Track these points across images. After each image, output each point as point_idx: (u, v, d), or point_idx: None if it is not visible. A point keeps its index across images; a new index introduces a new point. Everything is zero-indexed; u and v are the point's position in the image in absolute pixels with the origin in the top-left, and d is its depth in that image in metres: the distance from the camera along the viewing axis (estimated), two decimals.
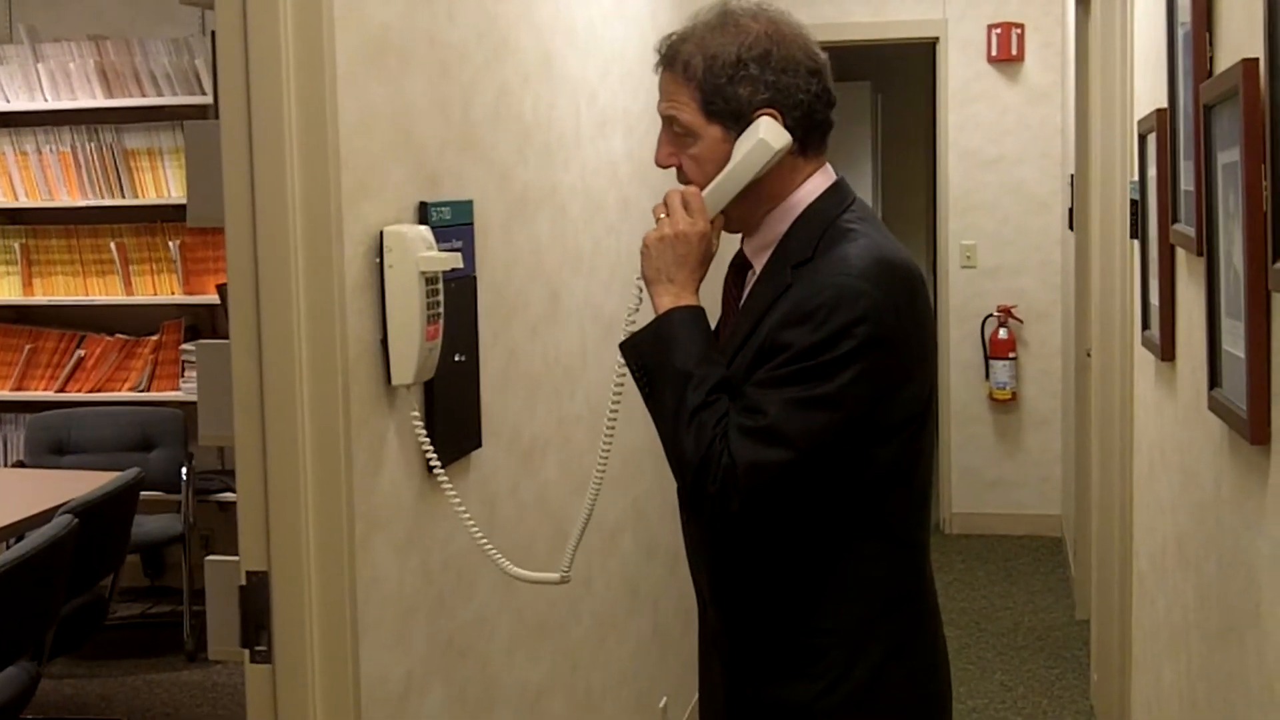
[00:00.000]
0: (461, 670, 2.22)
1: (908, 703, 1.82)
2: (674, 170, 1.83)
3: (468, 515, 2.03)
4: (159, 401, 5.48)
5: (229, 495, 5.09)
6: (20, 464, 5.36)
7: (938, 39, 6.67)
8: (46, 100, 5.48)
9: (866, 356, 1.66)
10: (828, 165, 1.83)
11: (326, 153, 1.74)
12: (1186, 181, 2.43)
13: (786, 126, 1.75)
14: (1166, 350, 2.75)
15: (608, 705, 3.13)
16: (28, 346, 5.65)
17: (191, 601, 5.02)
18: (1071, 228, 5.48)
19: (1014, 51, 6.56)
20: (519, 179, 2.49)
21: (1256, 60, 1.76)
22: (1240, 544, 2.02)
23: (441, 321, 1.97)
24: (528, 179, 2.55)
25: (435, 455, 1.97)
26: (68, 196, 5.54)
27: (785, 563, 1.78)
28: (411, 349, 1.91)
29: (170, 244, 5.51)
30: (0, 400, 5.64)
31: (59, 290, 5.63)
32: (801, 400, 1.65)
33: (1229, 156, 1.93)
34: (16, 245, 5.62)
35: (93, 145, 5.51)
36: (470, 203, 2.21)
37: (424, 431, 1.97)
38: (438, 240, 1.99)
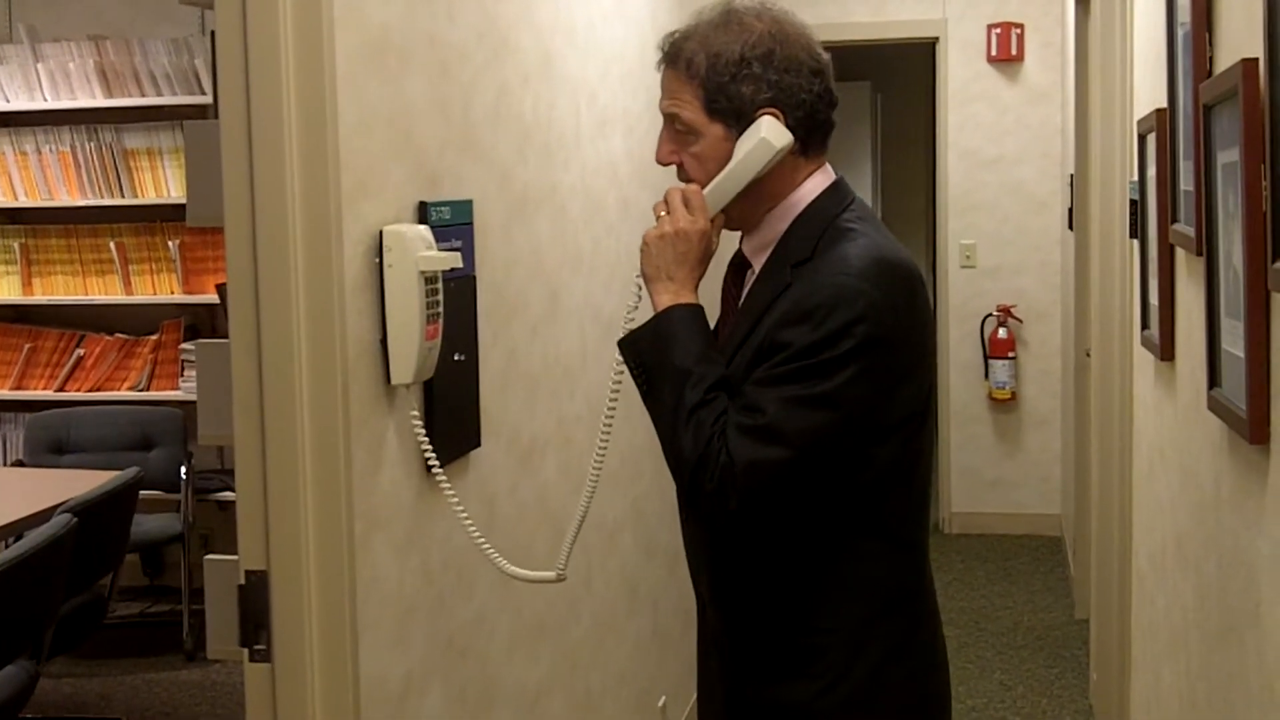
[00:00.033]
0: (461, 670, 2.22)
1: (907, 702, 1.82)
2: (674, 168, 1.83)
3: (466, 515, 2.03)
4: (158, 401, 5.48)
5: (228, 495, 5.08)
6: (19, 463, 5.36)
7: (937, 39, 6.66)
8: (46, 100, 5.48)
9: (866, 356, 1.66)
10: (828, 165, 1.84)
11: (326, 153, 1.74)
12: (1186, 181, 2.43)
13: (788, 126, 1.75)
14: (1166, 350, 2.75)
15: (607, 705, 3.13)
16: (27, 346, 5.65)
17: (191, 601, 5.02)
18: (1071, 228, 5.48)
19: (1014, 51, 6.56)
20: (519, 179, 2.49)
21: (1256, 60, 1.76)
22: (1240, 544, 2.02)
23: (441, 321, 1.97)
24: (527, 179, 2.54)
25: (434, 455, 1.97)
26: (67, 196, 5.54)
27: (785, 562, 1.78)
28: (411, 349, 1.91)
29: (170, 244, 5.51)
30: (0, 399, 5.64)
31: (58, 290, 5.62)
32: (800, 399, 1.65)
33: (1229, 156, 1.93)
34: (16, 245, 5.62)
35: (92, 145, 5.51)
36: (470, 202, 2.21)
37: (423, 431, 1.97)
38: (437, 240, 1.99)
